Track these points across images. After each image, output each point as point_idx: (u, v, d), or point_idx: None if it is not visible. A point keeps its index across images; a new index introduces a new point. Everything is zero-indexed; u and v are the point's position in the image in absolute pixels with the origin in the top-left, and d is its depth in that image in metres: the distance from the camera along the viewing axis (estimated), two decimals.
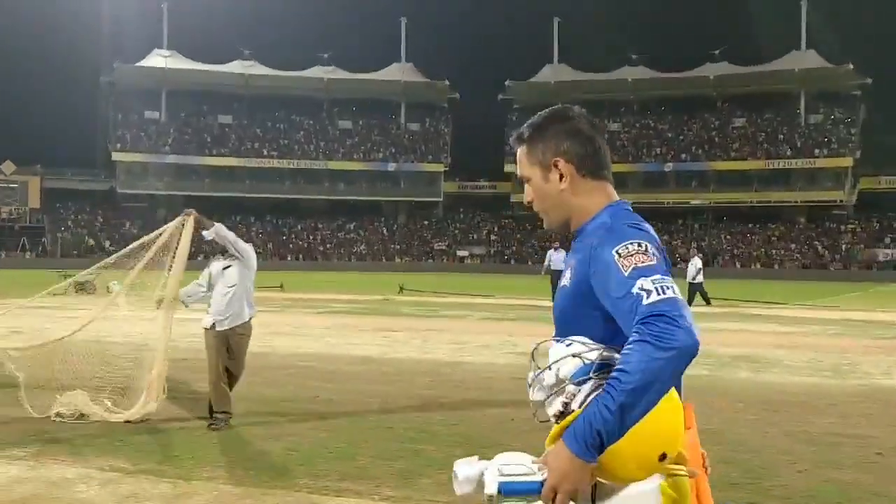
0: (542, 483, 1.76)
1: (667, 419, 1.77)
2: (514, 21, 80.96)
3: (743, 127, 78.63)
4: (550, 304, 22.48)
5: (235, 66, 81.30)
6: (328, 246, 76.97)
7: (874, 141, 71.82)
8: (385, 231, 79.77)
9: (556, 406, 1.84)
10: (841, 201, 72.95)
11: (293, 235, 78.95)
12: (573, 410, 1.80)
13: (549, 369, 1.86)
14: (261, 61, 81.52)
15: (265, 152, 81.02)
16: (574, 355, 1.84)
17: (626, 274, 1.80)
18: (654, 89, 79.23)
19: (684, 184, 76.86)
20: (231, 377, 7.31)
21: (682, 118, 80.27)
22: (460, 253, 74.72)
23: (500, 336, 14.91)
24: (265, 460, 6.07)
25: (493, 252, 75.00)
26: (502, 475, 1.77)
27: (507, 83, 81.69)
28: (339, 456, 6.09)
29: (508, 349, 12.86)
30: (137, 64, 79.87)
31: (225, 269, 7.38)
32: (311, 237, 78.60)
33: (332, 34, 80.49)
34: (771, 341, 14.67)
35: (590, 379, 1.81)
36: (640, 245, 1.84)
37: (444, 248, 76.17)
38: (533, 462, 1.80)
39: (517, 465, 1.79)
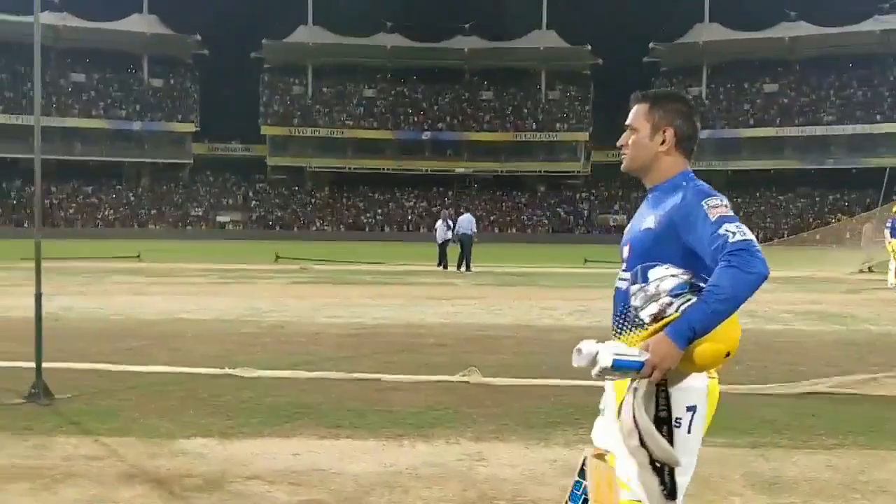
0: (642, 363, 2.33)
1: (735, 328, 2.39)
2: None
3: (490, 100, 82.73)
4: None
5: None
6: (70, 212, 70.39)
7: (604, 117, 79.08)
8: (132, 195, 74.35)
9: (650, 310, 2.42)
10: (577, 172, 79.74)
11: (22, 199, 71.11)
12: (667, 315, 2.37)
13: (651, 283, 2.46)
14: None
15: None
16: (672, 275, 2.44)
17: (712, 220, 2.40)
18: (410, 57, 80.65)
19: (440, 152, 79.52)
20: None
21: (436, 88, 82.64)
22: (220, 219, 71.76)
23: (529, 301, 14.74)
24: None
25: (254, 218, 72.83)
26: (615, 354, 2.35)
27: (263, 41, 79.02)
28: None
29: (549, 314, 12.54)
30: None
31: None
32: (44, 201, 71.10)
33: None
34: None
35: (684, 293, 2.39)
36: (721, 200, 2.46)
37: (199, 213, 72.67)
38: (631, 348, 2.40)
39: (627, 348, 2.38)
